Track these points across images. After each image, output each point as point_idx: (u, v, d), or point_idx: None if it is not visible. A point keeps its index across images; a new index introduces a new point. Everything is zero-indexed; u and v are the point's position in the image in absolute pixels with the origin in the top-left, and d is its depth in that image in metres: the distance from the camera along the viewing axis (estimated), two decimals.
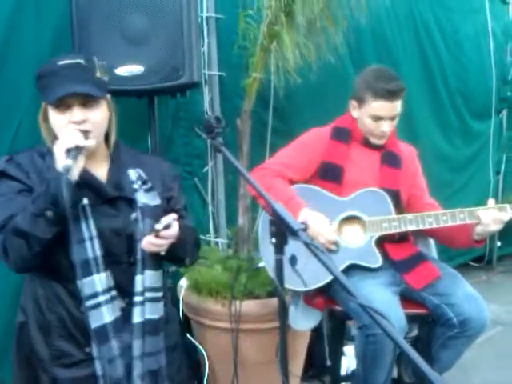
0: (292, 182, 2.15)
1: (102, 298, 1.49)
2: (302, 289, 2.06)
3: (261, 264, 2.33)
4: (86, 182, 1.50)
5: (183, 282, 2.50)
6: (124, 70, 2.10)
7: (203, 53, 2.62)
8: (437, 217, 2.02)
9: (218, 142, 1.52)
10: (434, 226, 2.02)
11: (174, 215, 1.48)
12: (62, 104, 1.48)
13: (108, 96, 1.59)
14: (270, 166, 2.17)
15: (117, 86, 2.08)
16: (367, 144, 2.18)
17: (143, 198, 1.56)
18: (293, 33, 2.34)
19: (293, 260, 1.69)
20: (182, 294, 2.46)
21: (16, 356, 1.59)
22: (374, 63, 2.77)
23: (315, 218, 1.99)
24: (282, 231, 1.25)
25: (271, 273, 2.16)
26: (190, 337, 2.46)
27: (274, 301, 2.29)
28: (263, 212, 2.20)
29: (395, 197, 2.12)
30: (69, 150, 1.41)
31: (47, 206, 1.39)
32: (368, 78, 2.11)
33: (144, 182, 1.60)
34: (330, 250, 1.98)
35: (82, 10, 2.12)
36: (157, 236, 1.46)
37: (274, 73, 2.47)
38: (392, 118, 2.11)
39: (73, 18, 2.13)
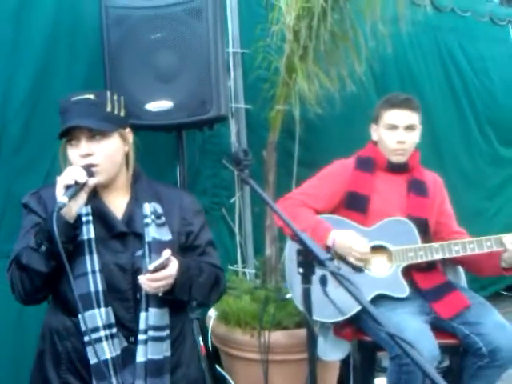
0: (317, 213, 2.16)
1: (103, 333, 1.46)
2: (330, 320, 2.06)
3: (288, 295, 2.33)
4: (99, 216, 1.52)
5: (212, 313, 2.51)
6: (154, 106, 2.17)
7: (229, 86, 2.68)
8: (464, 245, 2.00)
9: (246, 174, 1.54)
10: (461, 254, 2.01)
11: (168, 252, 1.43)
12: (73, 138, 1.51)
13: (125, 129, 1.59)
14: (294, 196, 2.21)
15: (147, 121, 2.17)
16: (392, 170, 2.19)
17: (154, 233, 1.52)
18: (311, 64, 2.38)
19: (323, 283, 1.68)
20: (210, 324, 2.46)
21: (34, 382, 1.59)
22: (398, 91, 2.81)
23: (345, 234, 2.02)
24: (309, 261, 1.26)
25: (298, 303, 2.16)
26: (219, 368, 2.46)
27: (302, 332, 2.28)
28: (289, 242, 2.21)
29: (423, 225, 2.12)
30: (68, 187, 1.41)
31: (42, 241, 1.42)
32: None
33: (158, 217, 1.56)
34: (360, 269, 1.99)
35: (113, 47, 2.21)
36: (152, 278, 1.42)
37: (295, 104, 2.52)
38: (407, 128, 2.14)
39: (105, 55, 2.23)
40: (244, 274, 2.82)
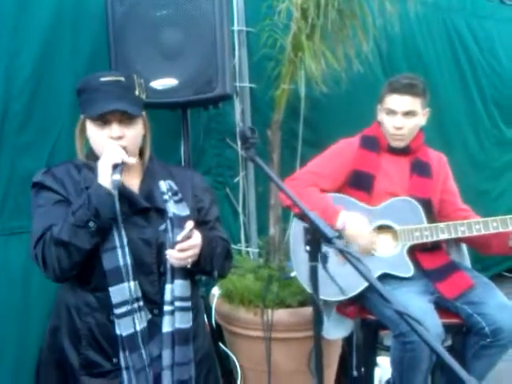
0: (323, 192, 2.16)
1: (131, 307, 1.50)
2: (334, 299, 2.07)
3: (292, 274, 2.34)
4: (120, 193, 1.53)
5: (215, 291, 2.53)
6: (159, 83, 2.15)
7: (234, 65, 2.66)
8: (469, 225, 2.01)
9: (252, 152, 1.54)
10: (467, 234, 2.01)
11: (191, 223, 1.49)
12: (102, 119, 1.53)
13: (144, 114, 1.63)
14: (300, 176, 2.20)
15: (151, 99, 2.14)
16: (393, 151, 2.19)
17: (173, 209, 1.57)
18: (318, 43, 2.36)
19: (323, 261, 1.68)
20: (214, 302, 2.48)
21: (46, 358, 1.61)
22: (405, 71, 2.78)
23: (354, 219, 2.02)
24: (317, 239, 1.26)
25: (303, 282, 2.17)
26: (222, 345, 2.48)
27: (306, 310, 2.30)
28: (294, 221, 2.21)
29: (426, 205, 2.12)
30: (115, 166, 1.47)
31: (89, 218, 1.44)
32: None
33: (174, 193, 1.62)
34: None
35: (118, 24, 2.18)
36: (180, 249, 1.47)
37: (300, 83, 2.49)
38: (406, 114, 2.11)
39: (109, 33, 2.20)
40: (247, 253, 2.83)
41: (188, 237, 1.48)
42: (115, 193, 1.44)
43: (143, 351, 1.51)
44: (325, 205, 2.06)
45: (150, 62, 2.15)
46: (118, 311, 1.49)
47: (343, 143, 2.26)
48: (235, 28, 2.70)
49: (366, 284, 1.94)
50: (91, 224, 1.45)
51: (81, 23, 2.32)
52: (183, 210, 1.59)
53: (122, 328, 1.50)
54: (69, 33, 2.29)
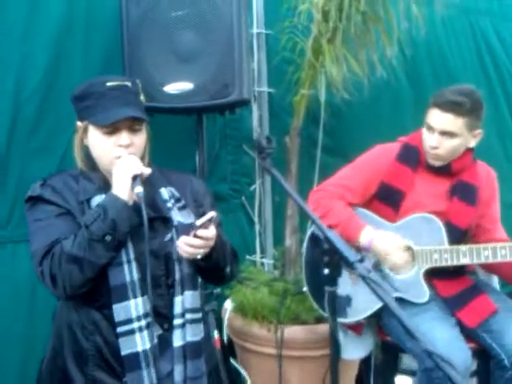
0: (350, 205, 2.03)
1: (136, 325, 1.43)
2: (349, 320, 1.96)
3: (304, 288, 2.24)
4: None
5: (228, 305, 2.44)
6: (173, 88, 2.07)
7: (252, 69, 2.57)
8: (494, 250, 1.83)
9: (268, 162, 1.46)
10: (491, 260, 1.84)
11: (213, 213, 1.42)
12: (112, 126, 1.46)
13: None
14: (328, 187, 2.07)
15: (166, 104, 2.08)
16: (432, 169, 2.01)
17: (178, 217, 1.52)
18: (340, 47, 2.26)
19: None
20: (226, 316, 2.39)
21: (45, 381, 1.54)
22: (430, 77, 2.66)
23: (383, 236, 1.91)
24: (336, 262, 1.16)
25: (312, 297, 2.08)
26: (233, 361, 2.39)
27: (322, 327, 2.21)
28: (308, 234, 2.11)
29: (460, 235, 1.96)
30: (135, 177, 1.42)
31: (106, 231, 1.38)
32: (441, 90, 1.98)
33: (177, 200, 1.56)
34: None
35: (132, 27, 2.12)
36: (195, 235, 1.40)
37: (320, 89, 2.40)
38: (443, 134, 1.91)
39: (123, 35, 2.14)
40: (262, 264, 2.74)
41: (206, 227, 1.41)
42: (143, 206, 1.39)
43: (149, 371, 1.43)
44: (348, 217, 1.95)
45: (165, 65, 2.08)
46: (120, 329, 1.43)
47: (381, 150, 2.08)
48: (254, 31, 2.62)
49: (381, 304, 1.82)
50: (108, 238, 1.39)
51: (94, 26, 2.26)
52: (188, 218, 1.53)
53: (123, 347, 1.43)
54: (82, 35, 2.23)
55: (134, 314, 1.43)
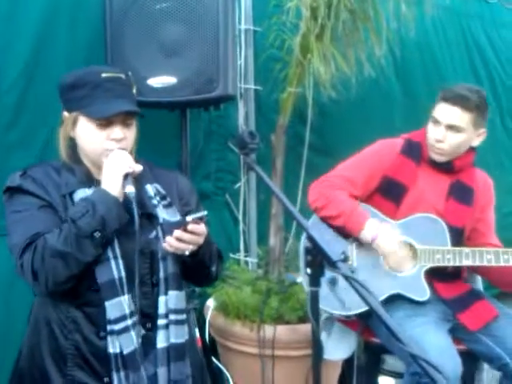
0: (352, 197, 1.99)
1: (129, 322, 1.38)
2: (339, 312, 1.94)
3: (299, 279, 2.20)
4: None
5: (210, 303, 2.40)
6: (157, 81, 2.03)
7: (239, 66, 2.54)
8: (497, 254, 1.83)
9: (251, 159, 1.43)
10: (493, 264, 1.83)
11: (205, 212, 1.39)
12: (106, 119, 1.41)
13: None
14: (331, 178, 2.03)
15: (149, 98, 2.03)
16: (434, 165, 1.99)
17: (163, 214, 1.48)
18: (328, 45, 2.24)
19: (332, 282, 1.56)
20: (208, 315, 2.36)
21: (25, 380, 1.48)
22: (420, 77, 2.64)
23: (388, 234, 1.88)
24: (319, 261, 1.13)
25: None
26: (215, 360, 2.36)
27: (305, 327, 2.18)
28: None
29: (457, 234, 1.94)
30: (126, 175, 1.39)
31: (95, 228, 1.34)
32: (449, 86, 1.98)
33: (163, 197, 1.51)
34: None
35: (116, 18, 2.07)
36: (186, 230, 1.36)
37: (308, 87, 2.36)
38: (449, 128, 1.90)
39: (106, 27, 2.09)
40: (246, 262, 2.70)
41: (197, 223, 1.37)
42: (135, 206, 1.35)
43: (142, 369, 1.39)
44: (351, 207, 1.93)
45: (149, 59, 2.03)
46: (115, 327, 1.37)
47: (384, 144, 2.06)
48: (242, 27, 2.58)
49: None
50: (97, 234, 1.34)
51: (78, 17, 2.22)
52: (173, 215, 1.49)
53: (124, 345, 1.37)
54: (64, 28, 2.19)
55: (127, 311, 1.38)
